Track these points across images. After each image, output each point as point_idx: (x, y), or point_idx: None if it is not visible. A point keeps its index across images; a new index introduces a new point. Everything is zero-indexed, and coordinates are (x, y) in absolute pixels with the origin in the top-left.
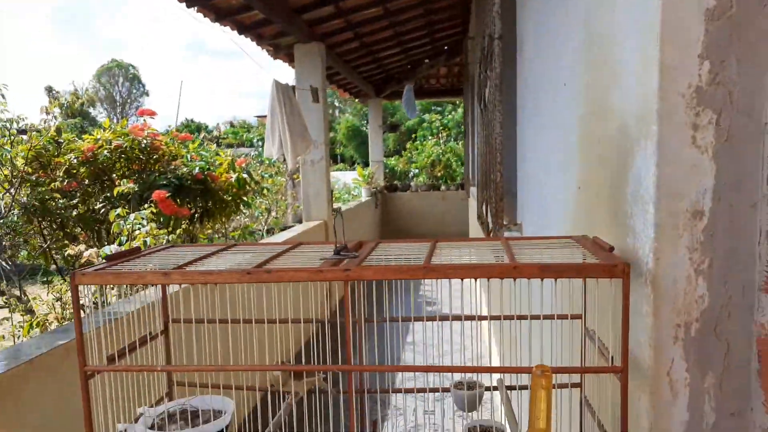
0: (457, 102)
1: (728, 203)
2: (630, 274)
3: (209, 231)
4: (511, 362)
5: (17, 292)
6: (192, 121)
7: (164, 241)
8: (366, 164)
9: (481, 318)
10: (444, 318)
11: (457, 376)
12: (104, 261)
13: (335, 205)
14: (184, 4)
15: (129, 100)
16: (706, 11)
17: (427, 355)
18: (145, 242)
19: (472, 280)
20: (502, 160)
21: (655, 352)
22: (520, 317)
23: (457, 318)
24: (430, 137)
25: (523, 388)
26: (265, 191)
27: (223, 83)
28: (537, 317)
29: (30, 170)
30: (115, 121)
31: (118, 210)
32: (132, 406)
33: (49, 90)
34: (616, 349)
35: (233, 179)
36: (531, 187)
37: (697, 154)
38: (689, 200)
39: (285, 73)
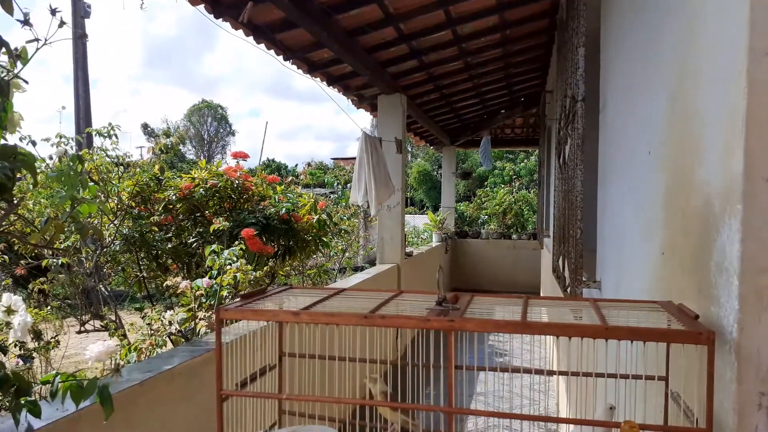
0: (530, 150)
1: None
2: (715, 341)
3: (287, 268)
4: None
5: (113, 317)
6: (273, 161)
7: (251, 278)
8: (435, 208)
9: (561, 373)
10: (537, 371)
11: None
12: (239, 299)
13: (408, 250)
14: (281, 57)
15: (216, 139)
16: None
17: (494, 407)
18: (235, 277)
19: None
20: (583, 216)
21: (739, 417)
22: (611, 375)
23: (541, 372)
24: (501, 184)
25: None
26: (342, 232)
27: (302, 125)
28: (627, 376)
29: (133, 204)
30: (201, 157)
31: (213, 246)
32: (247, 430)
33: (145, 127)
34: (701, 411)
35: (314, 220)
36: (611, 245)
37: None
38: None
39: (363, 117)
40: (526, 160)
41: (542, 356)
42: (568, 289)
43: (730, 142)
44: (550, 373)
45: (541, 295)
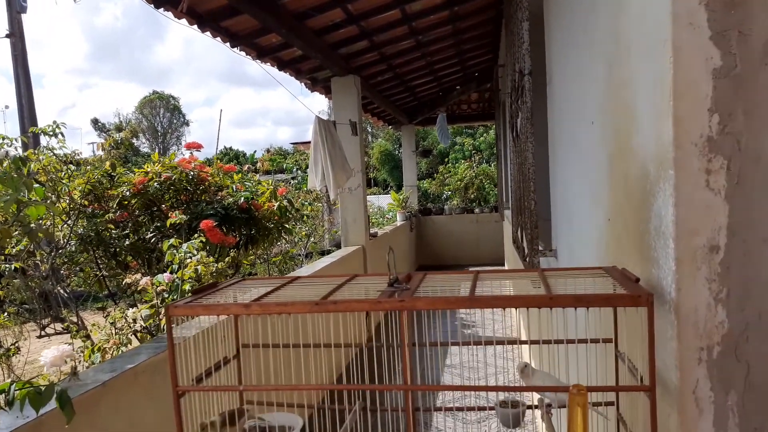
0: (488, 125)
1: (741, 239)
2: (654, 303)
3: (252, 257)
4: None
5: (74, 319)
6: (230, 149)
7: (213, 269)
8: (399, 187)
9: (521, 342)
10: (488, 342)
11: (500, 396)
12: (191, 294)
13: (373, 231)
14: (228, 44)
15: (170, 130)
16: (713, 70)
17: (465, 377)
18: (196, 270)
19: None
20: (536, 188)
21: (681, 372)
22: (557, 341)
23: (500, 342)
24: (462, 160)
25: (562, 406)
26: (304, 218)
27: (259, 110)
28: (572, 341)
29: (86, 203)
30: (156, 150)
31: (171, 240)
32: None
33: (95, 122)
34: (645, 370)
35: (275, 207)
36: (564, 214)
37: (711, 196)
38: (706, 237)
39: (318, 101)
40: (485, 134)
41: (509, 325)
42: (527, 259)
43: (659, 109)
44: (499, 342)
45: (505, 264)
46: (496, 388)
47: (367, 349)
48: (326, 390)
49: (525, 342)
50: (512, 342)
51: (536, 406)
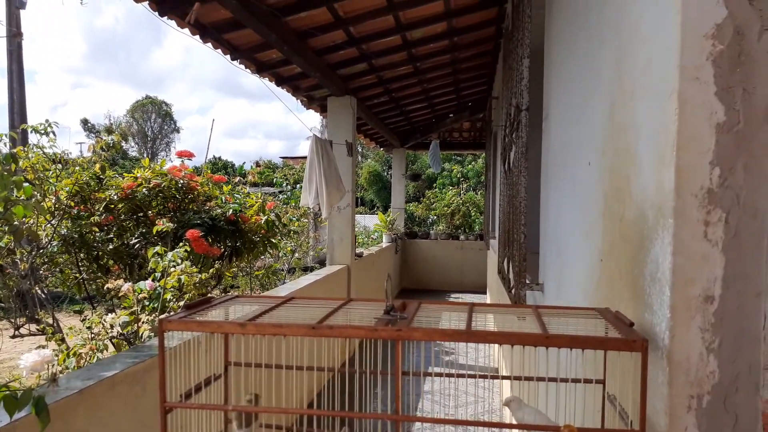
0: (477, 154)
1: (736, 291)
2: (648, 348)
3: (234, 269)
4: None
5: (50, 320)
6: (219, 159)
7: (196, 280)
8: (386, 208)
9: (504, 377)
10: (483, 376)
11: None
12: (183, 309)
13: (358, 251)
14: (228, 56)
15: (160, 136)
16: (717, 125)
17: (442, 404)
18: (179, 279)
19: None
20: (526, 221)
21: (671, 419)
22: (551, 379)
23: (484, 376)
24: (449, 186)
25: None
26: (291, 233)
27: (251, 122)
28: (566, 380)
29: (72, 204)
30: (145, 155)
31: (157, 248)
32: None
33: (85, 122)
34: (635, 414)
35: (263, 221)
36: (554, 250)
37: (708, 247)
38: (701, 287)
39: (311, 117)
40: (473, 162)
41: (487, 354)
42: (512, 291)
43: (662, 157)
44: (494, 377)
45: (487, 293)
46: (488, 424)
47: (340, 374)
48: (313, 415)
49: (518, 378)
50: (507, 377)
51: None
